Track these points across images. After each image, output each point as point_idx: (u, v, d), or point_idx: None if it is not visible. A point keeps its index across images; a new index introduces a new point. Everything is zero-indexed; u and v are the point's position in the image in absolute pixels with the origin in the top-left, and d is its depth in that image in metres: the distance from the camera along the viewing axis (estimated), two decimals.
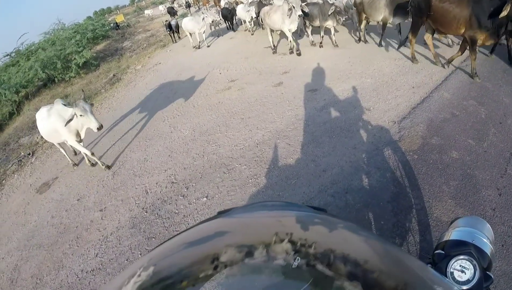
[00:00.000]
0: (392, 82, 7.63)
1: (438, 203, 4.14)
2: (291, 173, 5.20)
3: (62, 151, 7.45)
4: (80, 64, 17.06)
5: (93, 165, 7.06)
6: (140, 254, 4.45)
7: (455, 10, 6.81)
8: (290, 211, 1.12)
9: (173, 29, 18.69)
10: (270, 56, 11.61)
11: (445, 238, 1.36)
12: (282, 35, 13.20)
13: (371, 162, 5.04)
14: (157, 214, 5.00)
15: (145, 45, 20.98)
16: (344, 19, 10.80)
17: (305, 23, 12.30)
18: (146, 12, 43.71)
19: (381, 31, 10.26)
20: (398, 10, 9.17)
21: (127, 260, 4.41)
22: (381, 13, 9.71)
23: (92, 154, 6.70)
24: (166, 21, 19.07)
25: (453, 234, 1.35)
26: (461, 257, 1.21)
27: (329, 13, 10.43)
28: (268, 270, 0.68)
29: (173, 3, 34.52)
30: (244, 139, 6.33)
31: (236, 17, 17.89)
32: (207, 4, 28.65)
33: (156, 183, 5.73)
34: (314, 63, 9.85)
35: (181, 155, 6.35)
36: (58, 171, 7.40)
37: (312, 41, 12.15)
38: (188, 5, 31.45)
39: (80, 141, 6.64)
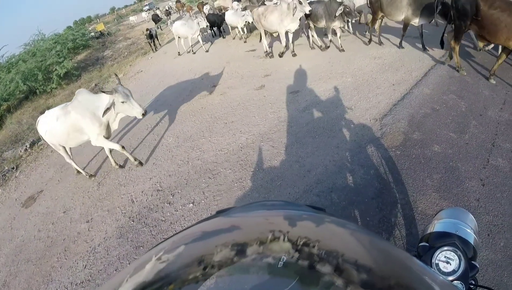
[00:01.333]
0: (373, 81, 7.69)
1: (422, 196, 4.18)
2: (276, 174, 5.21)
3: (71, 162, 6.85)
4: (62, 75, 17.01)
5: (121, 167, 6.74)
6: (129, 264, 4.41)
7: (507, 20, 6.11)
8: (289, 210, 1.12)
9: (154, 38, 18.51)
10: (252, 60, 11.62)
11: (429, 231, 1.37)
12: (273, 37, 13.03)
13: (355, 160, 5.07)
14: (144, 222, 4.96)
15: (126, 53, 20.91)
16: (354, 21, 10.40)
17: (308, 24, 11.33)
18: (131, 18, 42.99)
19: (402, 32, 9.39)
20: (422, 9, 8.53)
21: (115, 270, 4.37)
22: (402, 12, 9.06)
23: (123, 148, 6.30)
24: (147, 30, 18.79)
25: (436, 226, 1.36)
26: (446, 248, 1.23)
27: (337, 14, 9.61)
28: (262, 270, 0.68)
29: (157, 9, 34.21)
30: (228, 144, 6.33)
31: (224, 24, 17.25)
32: (190, 11, 28.34)
33: (142, 192, 5.70)
34: (295, 65, 9.89)
35: (165, 163, 6.32)
36: (43, 184, 7.31)
37: (312, 46, 11.50)
38: (168, 13, 30.90)
39: (108, 136, 6.29)
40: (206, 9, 20.13)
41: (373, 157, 5.03)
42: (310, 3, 10.11)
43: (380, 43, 10.26)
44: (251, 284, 0.65)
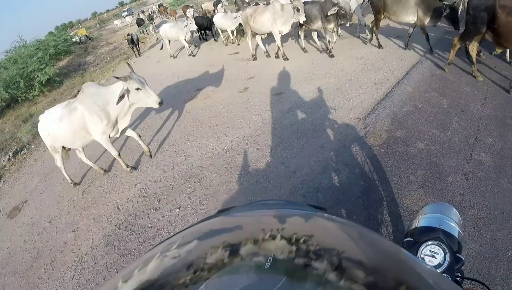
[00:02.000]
0: (355, 80, 7.75)
1: (407, 193, 4.22)
2: (262, 177, 5.21)
3: (62, 167, 6.50)
4: (44, 82, 16.85)
5: (133, 168, 6.50)
6: (117, 272, 4.37)
7: None
8: (290, 209, 1.12)
9: (135, 42, 18.39)
10: (235, 63, 11.61)
11: (414, 226, 1.39)
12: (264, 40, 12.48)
13: (339, 159, 5.10)
14: (131, 230, 4.92)
15: (108, 58, 20.81)
16: (348, 24, 9.78)
17: (301, 25, 10.69)
18: (116, 22, 42.52)
19: (424, 35, 8.62)
20: (431, 10, 8.13)
21: (104, 279, 4.32)
22: (410, 12, 8.58)
23: (119, 155, 6.20)
24: (128, 35, 18.34)
25: (421, 221, 1.38)
26: (430, 242, 1.25)
27: (329, 14, 9.00)
28: (254, 269, 0.68)
29: (142, 13, 33.82)
30: (213, 147, 6.31)
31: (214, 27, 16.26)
32: (174, 15, 28.07)
33: (127, 199, 5.65)
34: (278, 67, 9.93)
35: (150, 168, 6.28)
36: (28, 194, 7.22)
37: (304, 48, 11.05)
38: (151, 18, 29.88)
39: (116, 133, 6.04)
40: (189, 12, 19.76)
41: (357, 156, 5.07)
42: (304, 3, 9.72)
43: (380, 46, 9.75)
44: (243, 285, 0.65)
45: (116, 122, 5.84)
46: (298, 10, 9.28)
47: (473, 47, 6.78)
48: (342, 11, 8.83)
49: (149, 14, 30.44)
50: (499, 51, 7.42)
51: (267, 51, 11.69)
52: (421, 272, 0.74)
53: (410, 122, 5.63)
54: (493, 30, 6.16)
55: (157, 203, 5.29)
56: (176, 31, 14.34)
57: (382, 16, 9.44)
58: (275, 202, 1.28)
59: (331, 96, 7.19)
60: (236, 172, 5.48)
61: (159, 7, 37.14)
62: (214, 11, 19.34)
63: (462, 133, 5.28)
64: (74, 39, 31.54)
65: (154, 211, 5.14)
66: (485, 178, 4.34)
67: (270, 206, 1.21)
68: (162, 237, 4.57)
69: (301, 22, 9.65)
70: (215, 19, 15.13)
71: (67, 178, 6.57)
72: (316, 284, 0.62)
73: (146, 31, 25.16)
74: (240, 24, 13.35)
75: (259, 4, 12.06)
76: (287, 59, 10.47)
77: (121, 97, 5.32)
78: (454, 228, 1.30)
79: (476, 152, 4.83)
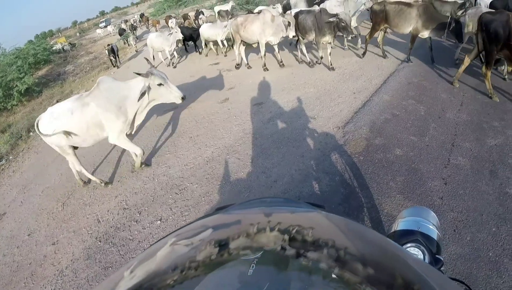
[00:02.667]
0: (334, 90, 7.84)
1: (387, 199, 4.29)
2: (243, 186, 5.22)
3: (82, 168, 6.17)
4: (22, 91, 16.55)
5: (147, 165, 6.36)
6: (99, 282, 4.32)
7: None
8: (288, 206, 1.14)
9: (115, 53, 17.81)
10: (215, 73, 11.58)
11: (393, 229, 1.42)
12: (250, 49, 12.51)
13: (320, 167, 5.14)
14: (112, 242, 4.85)
15: (88, 68, 20.57)
16: (351, 37, 9.01)
17: (297, 37, 10.07)
18: (98, 31, 40.85)
19: (410, 44, 8.81)
20: (432, 23, 8.15)
21: None
22: (411, 24, 8.53)
23: (143, 153, 6.07)
24: (108, 45, 17.65)
25: (400, 225, 1.41)
26: (409, 244, 1.27)
27: (325, 22, 8.59)
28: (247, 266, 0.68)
29: (125, 23, 33.19)
30: (194, 158, 6.29)
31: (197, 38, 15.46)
32: (157, 25, 27.65)
33: (108, 211, 5.58)
34: (259, 77, 9.95)
35: (130, 180, 6.21)
36: (6, 206, 7.07)
37: (310, 62, 10.21)
38: (134, 28, 28.61)
39: (132, 130, 5.86)
40: (171, 23, 19.38)
41: (337, 164, 5.12)
42: (299, 13, 9.77)
43: (385, 56, 9.66)
44: (236, 282, 0.65)
45: (134, 119, 5.69)
46: (289, 24, 9.24)
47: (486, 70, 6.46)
48: (342, 24, 8.42)
49: (131, 24, 29.67)
50: (510, 69, 7.02)
51: (247, 63, 11.44)
52: (414, 265, 0.77)
53: (388, 130, 5.72)
54: (509, 47, 5.96)
55: (138, 215, 5.24)
56: (162, 41, 13.96)
57: (381, 27, 9.37)
58: (273, 199, 1.29)
59: (310, 105, 7.25)
60: (217, 182, 5.47)
61: (141, 17, 36.72)
62: (195, 22, 19.21)
63: (439, 139, 5.40)
64: (56, 47, 31.10)
65: (135, 223, 5.09)
66: (463, 182, 4.45)
67: (268, 204, 1.22)
68: (144, 249, 4.52)
69: (290, 36, 9.53)
70: (202, 30, 14.49)
71: (95, 179, 6.29)
72: (311, 276, 0.64)
73: (127, 41, 24.33)
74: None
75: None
76: (267, 70, 10.46)
77: (143, 94, 5.24)
78: (432, 230, 1.33)
79: (453, 157, 4.94)
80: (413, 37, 8.60)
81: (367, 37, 9.71)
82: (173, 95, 5.36)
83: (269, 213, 0.96)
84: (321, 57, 9.88)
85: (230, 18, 13.34)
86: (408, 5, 8.68)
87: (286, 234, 0.72)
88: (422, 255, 1.24)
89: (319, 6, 10.99)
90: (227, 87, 9.77)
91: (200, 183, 5.53)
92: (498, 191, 4.30)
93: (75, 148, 5.98)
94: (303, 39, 10.04)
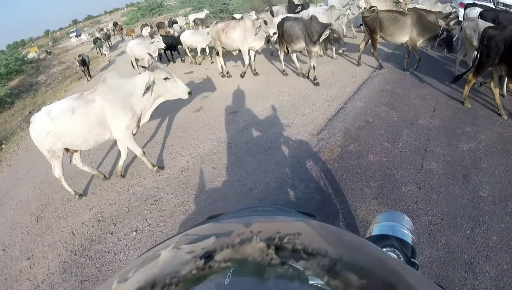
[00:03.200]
0: (308, 98, 7.88)
1: (362, 204, 4.32)
2: (219, 196, 5.18)
3: (62, 178, 5.89)
4: None
5: (160, 168, 6.17)
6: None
7: None
8: (279, 215, 1.12)
9: (87, 64, 16.85)
10: (189, 82, 11.51)
11: (368, 235, 1.41)
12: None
13: (295, 175, 5.15)
14: (87, 255, 4.75)
15: (60, 78, 20.21)
16: (342, 50, 8.94)
17: (280, 45, 9.64)
18: (73, 40, 39.86)
19: (406, 54, 8.78)
20: (427, 32, 8.13)
21: None
22: (406, 33, 8.39)
23: (144, 153, 5.84)
24: (79, 56, 16.49)
25: (375, 230, 1.40)
26: (384, 249, 1.26)
27: (321, 39, 8.02)
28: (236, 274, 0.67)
29: (100, 31, 32.41)
30: (169, 168, 6.22)
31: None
32: (132, 34, 27.13)
33: (82, 223, 5.47)
34: (233, 85, 9.94)
35: (105, 191, 6.11)
36: None
37: (284, 71, 9.97)
38: (108, 37, 27.63)
39: (137, 129, 5.62)
40: (146, 31, 18.98)
41: (312, 171, 5.13)
42: (285, 19, 9.16)
43: (381, 66, 9.30)
44: None
45: (140, 116, 5.48)
46: (265, 23, 9.11)
47: (495, 86, 6.29)
48: (335, 35, 7.85)
49: (106, 32, 28.50)
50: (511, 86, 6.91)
51: (227, 72, 11.23)
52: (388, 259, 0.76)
53: (362, 136, 5.77)
54: (509, 62, 5.82)
55: (113, 227, 5.15)
56: (143, 48, 13.18)
57: (378, 35, 9.02)
58: (265, 208, 1.28)
59: (285, 113, 7.27)
60: (192, 192, 5.42)
61: (114, 26, 36.10)
62: (169, 31, 19.03)
63: (412, 145, 5.47)
64: (30, 56, 30.61)
65: (110, 235, 5.01)
66: (437, 186, 4.52)
67: (259, 213, 1.21)
68: (120, 261, 4.46)
69: (271, 34, 9.19)
70: (183, 37, 14.06)
71: (70, 190, 6.09)
72: (288, 283, 0.62)
73: (100, 50, 23.52)
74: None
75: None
76: (257, 74, 10.45)
77: (148, 89, 5.04)
78: (407, 234, 1.34)
79: (427, 162, 5.01)
80: (413, 47, 8.42)
81: (372, 50, 9.26)
82: (180, 90, 5.19)
83: (258, 222, 0.95)
84: (310, 69, 8.96)
85: (207, 27, 13.21)
86: (402, 13, 8.66)
87: (272, 245, 0.71)
88: (397, 259, 1.24)
89: (300, 13, 11.17)
90: (201, 96, 9.71)
91: (175, 193, 5.48)
92: (472, 195, 4.38)
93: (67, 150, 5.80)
94: (287, 47, 9.45)
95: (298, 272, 0.64)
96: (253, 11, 14.59)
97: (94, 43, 25.32)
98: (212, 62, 13.47)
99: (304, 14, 11.01)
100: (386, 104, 6.82)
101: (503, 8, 15.93)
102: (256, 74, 10.47)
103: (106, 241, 4.89)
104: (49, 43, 52.18)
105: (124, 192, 5.87)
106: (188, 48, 14.25)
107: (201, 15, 20.07)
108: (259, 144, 6.26)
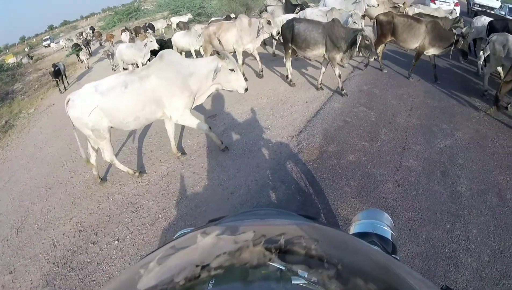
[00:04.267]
0: (287, 100, 7.92)
1: (343, 203, 4.37)
2: (200, 200, 5.16)
3: (115, 159, 5.86)
4: None
5: (226, 148, 6.10)
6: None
7: None
8: (280, 219, 1.12)
9: (62, 74, 15.53)
10: None
11: (349, 232, 1.44)
12: None
13: (276, 177, 5.17)
14: (70, 266, 4.66)
15: (37, 86, 19.80)
16: (373, 59, 7.36)
17: (287, 50, 8.59)
18: (52, 45, 38.79)
19: (414, 61, 8.43)
20: (440, 40, 7.92)
21: None
22: (418, 40, 8.18)
23: (210, 129, 5.79)
24: (53, 65, 15.25)
25: (355, 228, 1.43)
26: None
27: (357, 45, 6.93)
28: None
29: (80, 35, 31.46)
30: (149, 174, 6.17)
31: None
32: (111, 39, 26.39)
33: (63, 234, 5.38)
34: None
35: (85, 200, 6.02)
36: None
37: (291, 80, 8.91)
38: (87, 42, 26.03)
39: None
40: (125, 36, 18.30)
41: (293, 172, 5.16)
42: (295, 21, 8.22)
43: (382, 68, 9.25)
44: None
45: (194, 98, 5.37)
46: (269, 22, 8.56)
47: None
48: (367, 42, 6.94)
49: (85, 38, 27.54)
50: None
51: (291, 81, 10.14)
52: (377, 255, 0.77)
53: (341, 137, 5.83)
54: None
55: (95, 237, 5.08)
56: (134, 52, 12.64)
57: (388, 39, 8.82)
58: (266, 211, 1.28)
59: (264, 116, 7.29)
60: (173, 198, 5.39)
61: (92, 31, 35.26)
62: (145, 35, 18.66)
63: (391, 143, 5.55)
64: (11, 61, 30.03)
65: (92, 245, 4.93)
66: (415, 183, 4.60)
67: (261, 216, 1.21)
68: (103, 271, 4.40)
69: (274, 34, 8.67)
70: (175, 39, 13.37)
71: (127, 170, 6.04)
72: (271, 284, 0.63)
73: (78, 56, 21.87)
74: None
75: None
76: (246, 80, 10.22)
77: (215, 73, 4.95)
78: (387, 231, 1.36)
79: (405, 160, 5.09)
80: (419, 53, 8.31)
81: (377, 50, 8.61)
82: (239, 84, 5.16)
83: (260, 226, 0.95)
84: (340, 76, 7.77)
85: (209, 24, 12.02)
86: (417, 20, 8.38)
87: (273, 249, 0.71)
88: None
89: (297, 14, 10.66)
90: None
91: (156, 200, 5.43)
92: (450, 190, 4.47)
93: None
94: (295, 53, 8.70)
95: (281, 273, 0.64)
96: (233, 14, 14.44)
97: (72, 49, 23.92)
98: None
99: (301, 15, 10.47)
100: (364, 104, 6.89)
101: (479, 9, 16.27)
102: (261, 76, 9.98)
103: (88, 251, 4.81)
104: (25, 49, 51.08)
105: (104, 201, 5.79)
106: (179, 50, 13.44)
107: (184, 18, 19.90)
108: (239, 147, 6.27)
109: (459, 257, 3.54)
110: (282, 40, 8.69)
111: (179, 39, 13.23)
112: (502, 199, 4.33)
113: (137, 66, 12.96)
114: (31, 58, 30.45)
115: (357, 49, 7.00)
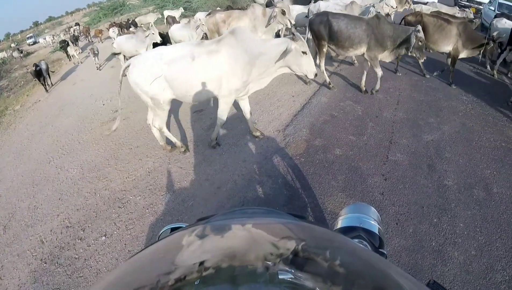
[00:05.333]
0: (273, 94, 7.91)
1: (330, 197, 4.37)
2: (187, 195, 5.15)
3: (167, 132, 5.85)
4: None
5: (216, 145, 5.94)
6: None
7: None
8: (269, 218, 1.11)
9: (44, 74, 14.28)
10: None
11: (336, 227, 1.43)
12: None
13: (262, 171, 5.17)
14: (57, 263, 4.63)
15: (22, 82, 19.61)
16: (423, 59, 6.81)
17: (321, 49, 7.70)
18: (41, 40, 37.62)
19: (450, 66, 7.96)
20: (471, 42, 7.54)
21: None
22: (451, 43, 7.69)
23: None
24: (34, 65, 14.16)
25: (342, 222, 1.42)
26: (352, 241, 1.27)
27: (411, 46, 6.45)
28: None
29: (68, 31, 30.78)
30: (135, 169, 6.13)
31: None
32: (100, 35, 25.68)
33: (51, 231, 5.33)
34: None
35: (72, 197, 5.97)
36: None
37: (329, 83, 7.86)
38: (76, 39, 24.86)
39: (244, 94, 5.36)
40: (112, 32, 17.73)
41: (279, 167, 5.16)
42: (331, 16, 7.30)
43: (396, 71, 8.74)
44: None
45: (249, 81, 5.07)
46: (283, 12, 7.84)
47: None
48: (420, 42, 6.50)
49: (74, 34, 26.54)
50: None
51: (330, 84, 10.15)
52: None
53: (327, 131, 5.83)
54: None
55: (82, 232, 5.04)
56: (135, 43, 11.91)
57: None
58: (255, 210, 1.27)
59: (250, 110, 7.24)
60: (160, 193, 5.37)
61: (78, 26, 34.44)
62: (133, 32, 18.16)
63: (377, 137, 5.57)
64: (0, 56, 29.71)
65: (79, 241, 4.89)
66: (402, 177, 4.64)
67: (249, 215, 1.19)
68: (90, 267, 4.38)
69: (289, 26, 7.45)
70: (172, 31, 12.49)
71: (176, 140, 6.06)
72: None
73: (67, 53, 20.54)
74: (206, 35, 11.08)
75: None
76: None
77: (284, 54, 4.57)
78: (373, 225, 1.35)
79: (392, 153, 5.11)
80: (454, 58, 7.82)
81: None
82: (310, 68, 4.76)
83: (260, 226, 0.94)
84: (380, 77, 7.19)
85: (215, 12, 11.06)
86: (448, 21, 7.83)
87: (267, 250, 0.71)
88: None
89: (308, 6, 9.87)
90: None
91: (143, 195, 5.41)
92: (437, 184, 4.50)
93: None
94: (335, 51, 7.75)
95: (268, 267, 0.63)
96: (219, 8, 14.16)
97: (61, 47, 22.16)
98: None
99: (312, 8, 9.64)
100: (350, 98, 6.91)
101: (467, 3, 16.22)
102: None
103: (75, 247, 4.77)
104: (11, 45, 50.38)
105: (91, 197, 5.75)
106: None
107: (176, 13, 19.54)
108: (225, 142, 6.26)
109: (446, 251, 3.56)
110: (313, 37, 7.84)
111: (176, 31, 12.38)
112: (489, 193, 4.36)
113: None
114: (21, 52, 29.89)
115: (410, 50, 6.52)
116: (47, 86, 14.58)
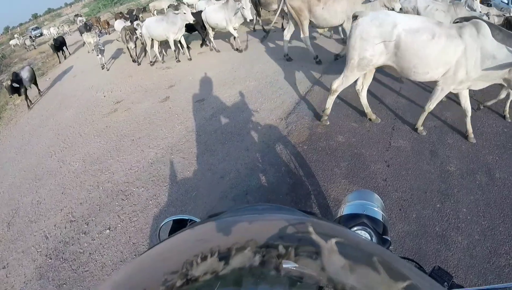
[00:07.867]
0: (275, 82, 7.88)
1: (333, 184, 4.37)
2: (190, 186, 5.14)
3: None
4: None
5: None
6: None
7: None
8: (279, 214, 1.11)
9: (25, 86, 12.12)
10: (155, 72, 11.32)
11: (339, 214, 1.42)
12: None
13: (265, 160, 5.16)
14: (62, 258, 4.63)
15: None
16: None
17: None
18: (45, 32, 35.83)
19: None
20: None
21: None
22: None
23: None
24: (15, 74, 11.94)
25: (345, 209, 1.41)
26: (356, 228, 1.29)
27: None
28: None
29: (75, 21, 30.32)
30: (138, 161, 6.13)
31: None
32: (106, 27, 25.03)
33: (55, 225, 5.33)
34: (199, 73, 9.82)
35: (74, 190, 5.97)
36: None
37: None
38: (89, 28, 21.82)
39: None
40: (118, 24, 16.54)
41: (282, 155, 5.16)
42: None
43: None
44: None
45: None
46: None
47: None
48: None
49: (85, 23, 24.48)
50: None
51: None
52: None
53: (330, 118, 5.80)
54: None
55: (86, 226, 5.04)
56: (166, 26, 10.89)
57: None
58: (265, 207, 1.27)
59: (252, 98, 7.27)
60: (163, 184, 5.37)
61: (81, 17, 33.73)
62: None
63: (380, 124, 5.56)
64: (13, 42, 29.81)
65: (83, 235, 4.89)
66: (405, 163, 4.62)
67: (260, 211, 1.19)
68: (96, 261, 4.38)
69: (396, 9, 6.79)
70: (207, 14, 11.04)
71: (328, 106, 5.70)
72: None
73: (58, 54, 18.84)
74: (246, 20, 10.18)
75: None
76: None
77: None
78: (377, 212, 1.35)
79: (394, 140, 5.09)
80: None
81: None
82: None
83: (270, 224, 0.93)
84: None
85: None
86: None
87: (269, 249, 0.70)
88: (369, 237, 1.26)
89: None
90: (167, 85, 9.59)
91: (146, 187, 5.41)
92: (440, 169, 4.48)
93: None
94: None
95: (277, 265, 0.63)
96: None
97: (81, 33, 19.85)
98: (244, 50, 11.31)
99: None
100: (352, 85, 6.86)
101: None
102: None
103: (80, 241, 4.77)
104: (15, 36, 49.99)
105: (94, 190, 5.75)
106: (212, 28, 11.44)
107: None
108: (228, 131, 6.24)
109: (449, 235, 3.56)
110: None
111: (211, 13, 10.81)
112: (491, 178, 4.34)
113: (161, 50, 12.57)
114: (34, 40, 29.50)
115: None
116: (28, 101, 12.17)
